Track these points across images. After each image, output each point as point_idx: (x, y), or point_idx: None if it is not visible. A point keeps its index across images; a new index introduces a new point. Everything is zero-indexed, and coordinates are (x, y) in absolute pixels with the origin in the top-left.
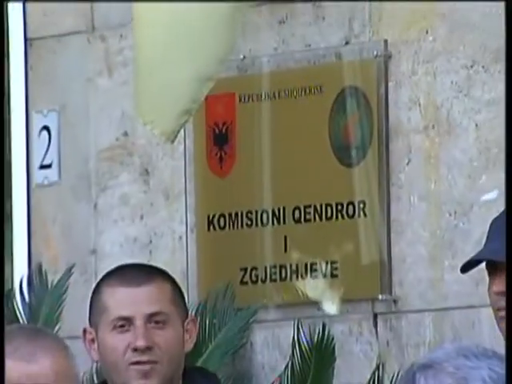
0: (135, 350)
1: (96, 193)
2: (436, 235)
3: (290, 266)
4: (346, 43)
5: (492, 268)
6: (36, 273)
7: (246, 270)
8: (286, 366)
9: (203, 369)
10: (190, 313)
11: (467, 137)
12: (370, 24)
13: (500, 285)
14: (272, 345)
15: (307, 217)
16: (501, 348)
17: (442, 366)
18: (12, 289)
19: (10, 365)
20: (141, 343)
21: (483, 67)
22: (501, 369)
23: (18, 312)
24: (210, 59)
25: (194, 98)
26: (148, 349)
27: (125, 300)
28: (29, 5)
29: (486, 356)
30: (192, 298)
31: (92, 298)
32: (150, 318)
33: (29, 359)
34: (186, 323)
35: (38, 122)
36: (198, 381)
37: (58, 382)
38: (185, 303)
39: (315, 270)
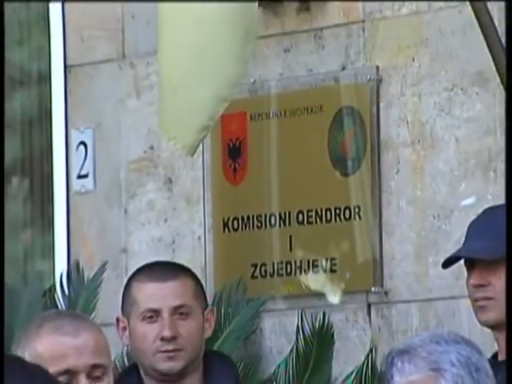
0: (162, 339)
1: (126, 199)
2: (421, 235)
3: (295, 262)
4: (343, 69)
5: (470, 264)
6: (74, 269)
7: (256, 265)
8: (291, 350)
9: (219, 352)
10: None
11: (448, 150)
12: (364, 52)
13: (476, 278)
14: (279, 331)
15: (309, 219)
16: (477, 333)
17: (416, 351)
18: (53, 283)
19: (55, 340)
20: (167, 333)
21: (462, 89)
22: (467, 352)
23: (58, 303)
24: (225, 82)
25: (211, 116)
26: (173, 338)
27: (153, 294)
28: (68, 35)
29: (455, 342)
30: (209, 290)
31: (124, 291)
32: (175, 310)
33: (74, 334)
34: (205, 313)
35: (76, 138)
36: (215, 362)
37: (98, 354)
38: (205, 296)
39: (316, 266)
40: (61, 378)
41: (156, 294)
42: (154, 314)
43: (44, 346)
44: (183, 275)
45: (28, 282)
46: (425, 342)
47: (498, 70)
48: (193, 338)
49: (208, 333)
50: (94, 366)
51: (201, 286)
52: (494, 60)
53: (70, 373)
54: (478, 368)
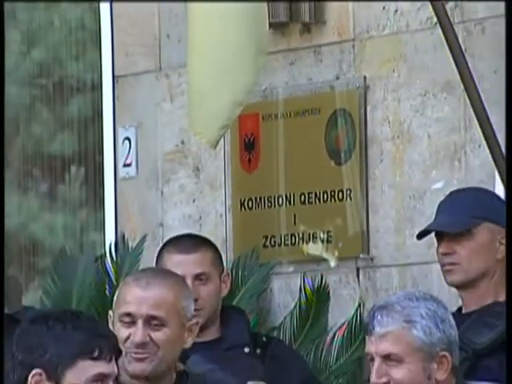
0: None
1: (162, 184)
2: (400, 213)
3: (298, 234)
4: (337, 78)
5: (439, 236)
6: (121, 240)
7: (267, 237)
8: (295, 305)
9: (236, 307)
10: (225, 268)
11: (422, 144)
12: (354, 65)
13: (444, 247)
14: (285, 290)
15: (310, 200)
16: (445, 292)
17: (393, 306)
18: (104, 252)
19: (129, 288)
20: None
21: (433, 95)
22: (434, 307)
23: (107, 268)
24: (241, 90)
25: (229, 117)
26: (194, 300)
27: (178, 264)
28: (116, 51)
29: (425, 299)
30: (229, 257)
31: (157, 259)
32: (197, 277)
33: (144, 287)
34: (222, 276)
35: (122, 134)
36: (232, 314)
37: (157, 307)
38: (222, 262)
39: (315, 237)
40: (125, 319)
41: (181, 263)
42: None
43: (122, 291)
44: (204, 247)
45: (83, 251)
46: (400, 299)
47: (462, 79)
48: (210, 299)
49: (225, 292)
50: (152, 317)
51: (219, 254)
52: (458, 71)
53: (132, 317)
54: (443, 320)
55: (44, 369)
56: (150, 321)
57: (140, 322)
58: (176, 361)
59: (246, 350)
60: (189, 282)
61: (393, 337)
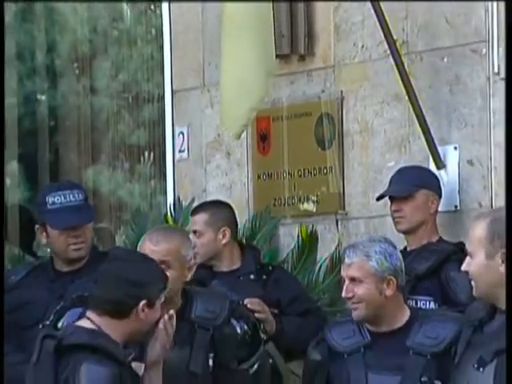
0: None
1: (205, 163)
2: (366, 183)
3: (297, 197)
4: (323, 92)
5: (391, 198)
6: (177, 202)
7: (275, 199)
8: (294, 245)
9: (252, 245)
10: (227, 225)
11: (380, 136)
12: (334, 83)
13: (394, 206)
14: (288, 235)
15: (304, 174)
16: (395, 236)
17: (358, 245)
18: (166, 210)
19: (144, 243)
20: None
21: (387, 103)
22: (386, 247)
23: (169, 221)
24: (256, 99)
25: (248, 118)
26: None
27: (193, 220)
28: (174, 74)
29: (380, 241)
30: (250, 213)
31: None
32: (194, 232)
33: (155, 243)
34: (221, 230)
35: (178, 130)
36: (249, 252)
37: (164, 255)
38: (219, 221)
39: (308, 199)
40: None
41: (194, 220)
42: (192, 233)
43: (140, 245)
44: (201, 212)
45: (152, 209)
46: (363, 241)
47: (407, 92)
48: (204, 247)
49: (223, 241)
50: (161, 262)
51: (216, 216)
52: (404, 87)
53: None
54: (391, 254)
55: (148, 299)
56: (160, 265)
57: None
58: (180, 289)
59: (252, 276)
60: (191, 235)
61: (356, 266)
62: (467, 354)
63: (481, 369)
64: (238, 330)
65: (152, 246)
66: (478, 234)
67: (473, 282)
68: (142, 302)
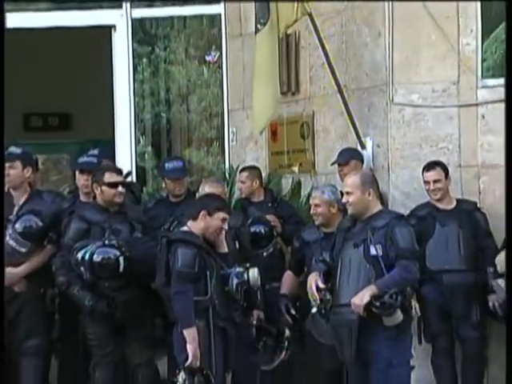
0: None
1: (244, 147)
2: (326, 157)
3: (290, 164)
4: (303, 110)
5: (338, 164)
6: (230, 167)
7: (280, 165)
8: (290, 187)
9: (269, 188)
10: (258, 178)
11: (332, 134)
12: (310, 105)
13: (339, 169)
14: (286, 183)
15: (296, 154)
16: (340, 185)
17: (320, 188)
18: (225, 172)
19: (205, 185)
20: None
21: (337, 118)
22: (333, 189)
23: (226, 178)
24: (268, 114)
25: (265, 123)
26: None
27: (240, 175)
28: (230, 98)
29: (330, 185)
30: (267, 172)
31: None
32: (242, 182)
33: (210, 185)
34: (254, 180)
35: (231, 130)
36: (268, 193)
37: (220, 192)
38: (254, 175)
39: (296, 165)
40: None
41: (239, 175)
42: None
43: (202, 186)
44: (248, 169)
45: (217, 171)
46: (322, 186)
47: (346, 111)
48: (246, 189)
49: (255, 186)
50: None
51: (256, 172)
52: (346, 111)
53: None
54: (334, 193)
55: (208, 210)
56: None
57: None
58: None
59: (269, 204)
60: (239, 184)
61: (318, 198)
62: (346, 243)
63: (355, 248)
64: (263, 231)
65: (214, 185)
66: (355, 181)
67: (349, 208)
68: (202, 212)
